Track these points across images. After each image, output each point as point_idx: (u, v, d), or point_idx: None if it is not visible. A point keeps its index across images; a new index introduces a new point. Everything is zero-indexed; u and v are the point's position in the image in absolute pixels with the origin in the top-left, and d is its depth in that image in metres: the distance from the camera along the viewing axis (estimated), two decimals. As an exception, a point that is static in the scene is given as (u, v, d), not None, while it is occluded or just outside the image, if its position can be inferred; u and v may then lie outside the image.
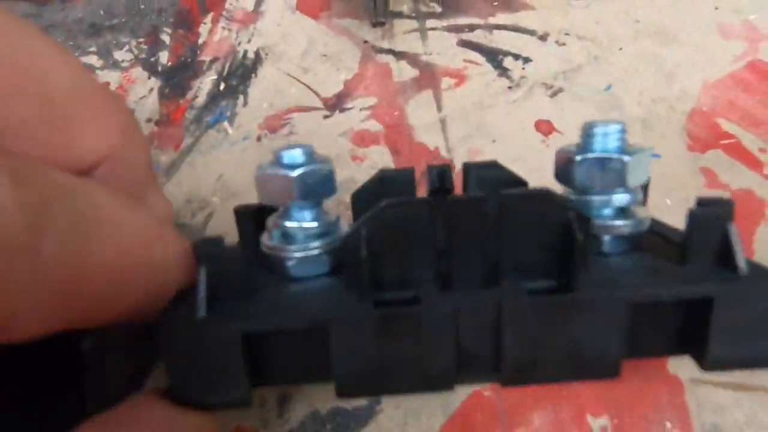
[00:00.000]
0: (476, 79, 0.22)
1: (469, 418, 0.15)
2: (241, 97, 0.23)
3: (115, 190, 0.10)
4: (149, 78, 0.24)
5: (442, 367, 0.10)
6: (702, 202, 0.11)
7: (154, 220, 0.10)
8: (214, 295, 0.10)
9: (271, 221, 0.12)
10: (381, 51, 0.23)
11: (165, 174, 0.20)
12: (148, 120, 0.22)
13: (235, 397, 0.10)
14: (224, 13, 0.26)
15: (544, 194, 0.11)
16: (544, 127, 0.20)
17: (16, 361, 0.11)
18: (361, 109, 0.21)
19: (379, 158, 0.20)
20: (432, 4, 0.25)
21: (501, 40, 0.23)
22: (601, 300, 0.10)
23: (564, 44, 0.23)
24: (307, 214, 0.12)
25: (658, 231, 0.12)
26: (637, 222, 0.11)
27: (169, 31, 0.25)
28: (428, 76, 0.22)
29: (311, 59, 0.23)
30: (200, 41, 0.25)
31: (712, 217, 0.10)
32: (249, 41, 0.25)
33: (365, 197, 0.14)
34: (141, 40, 0.25)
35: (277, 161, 0.12)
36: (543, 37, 0.23)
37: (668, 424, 0.15)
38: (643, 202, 0.13)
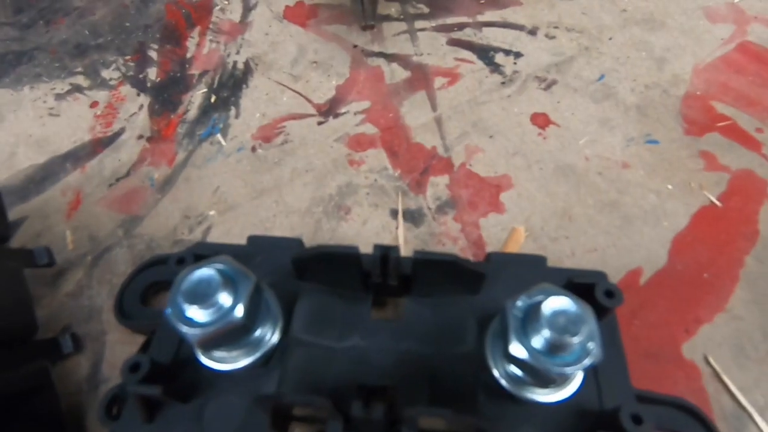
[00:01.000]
0: (469, 76, 0.22)
1: None
2: (233, 109, 0.22)
3: None
4: (138, 95, 0.23)
5: None
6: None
7: None
8: None
9: None
10: (371, 54, 0.23)
11: (160, 190, 0.20)
12: (140, 137, 0.22)
13: None
14: (211, 26, 0.26)
15: None
16: (541, 120, 0.20)
17: None
18: (355, 114, 0.21)
19: (376, 161, 0.20)
20: (419, 5, 0.25)
21: (491, 36, 0.23)
22: None
23: (554, 37, 0.23)
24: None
25: None
26: None
27: (156, 46, 0.25)
28: (420, 77, 0.22)
29: (302, 67, 0.23)
30: (188, 55, 0.25)
31: None
32: (238, 52, 0.24)
33: (306, 266, 0.13)
34: (128, 57, 0.25)
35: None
36: (532, 32, 0.23)
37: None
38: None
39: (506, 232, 0.17)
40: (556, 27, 0.23)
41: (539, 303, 0.10)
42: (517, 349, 0.10)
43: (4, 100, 0.24)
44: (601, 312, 0.12)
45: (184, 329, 0.10)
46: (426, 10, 0.25)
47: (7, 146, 0.22)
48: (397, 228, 0.18)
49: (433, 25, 0.24)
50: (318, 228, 0.18)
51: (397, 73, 0.22)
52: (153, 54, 0.25)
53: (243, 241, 0.15)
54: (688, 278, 0.16)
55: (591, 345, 0.10)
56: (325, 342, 0.13)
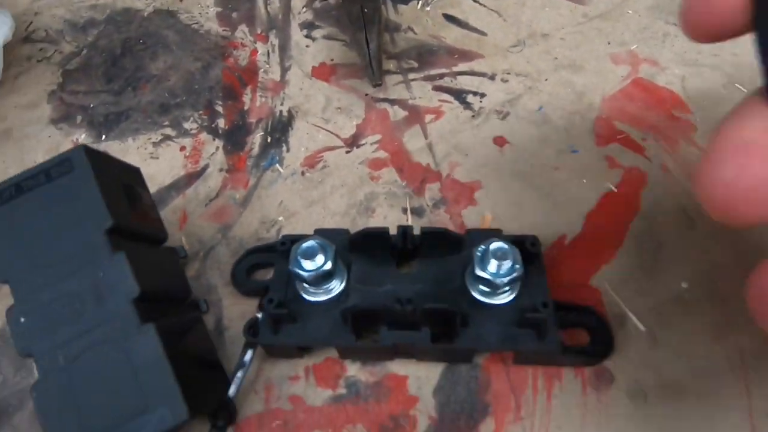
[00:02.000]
0: (449, 113, 0.31)
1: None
2: (284, 145, 0.31)
3: None
4: (214, 139, 0.32)
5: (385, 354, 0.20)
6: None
7: None
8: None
9: None
10: (379, 100, 0.32)
11: (241, 206, 0.29)
12: (220, 170, 0.31)
13: None
14: (259, 84, 0.35)
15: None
16: (500, 141, 0.29)
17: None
18: (371, 144, 0.30)
19: (389, 176, 0.29)
20: (410, 61, 0.34)
21: (463, 82, 0.32)
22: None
23: (507, 81, 0.32)
24: None
25: None
26: None
27: (221, 102, 0.34)
28: (415, 115, 0.31)
29: (329, 112, 0.32)
30: (245, 108, 0.34)
31: None
32: (282, 104, 0.34)
33: (357, 242, 0.23)
34: (201, 111, 0.34)
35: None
36: (492, 77, 0.32)
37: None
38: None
39: (479, 217, 0.26)
40: (508, 73, 0.32)
41: (488, 246, 0.19)
42: (479, 272, 0.19)
43: (115, 149, 0.33)
44: (532, 256, 0.21)
45: (302, 273, 0.19)
46: (416, 64, 0.34)
47: (129, 182, 0.31)
48: (407, 220, 0.27)
49: (422, 75, 0.33)
50: (354, 224, 0.27)
51: (398, 113, 0.32)
52: (219, 108, 0.34)
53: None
54: (595, 239, 0.25)
55: (517, 266, 0.19)
56: (370, 288, 0.22)
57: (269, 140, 0.32)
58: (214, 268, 0.27)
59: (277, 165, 0.30)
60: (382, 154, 0.30)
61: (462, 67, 0.33)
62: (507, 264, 0.19)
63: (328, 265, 0.20)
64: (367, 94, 0.33)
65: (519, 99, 0.31)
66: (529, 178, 0.27)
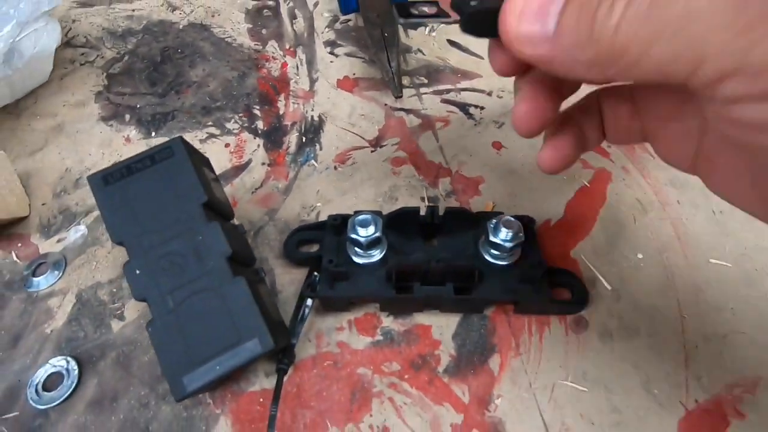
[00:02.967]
0: (455, 122, 0.37)
1: (479, 294, 0.30)
2: (318, 145, 0.37)
3: None
4: (254, 138, 0.38)
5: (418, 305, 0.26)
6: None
7: None
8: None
9: None
10: (397, 110, 0.39)
11: (283, 193, 0.34)
12: (263, 164, 0.36)
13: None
14: (291, 92, 0.41)
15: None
16: (497, 145, 0.36)
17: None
18: (392, 145, 0.36)
19: (409, 172, 0.35)
20: (421, 78, 0.41)
21: (466, 97, 0.39)
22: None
23: (502, 97, 0.39)
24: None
25: None
26: None
27: (258, 107, 0.40)
28: (427, 123, 0.38)
29: (355, 118, 0.38)
30: (281, 112, 0.39)
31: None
32: (312, 110, 0.39)
33: (394, 218, 0.28)
34: (241, 114, 0.39)
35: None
36: (489, 94, 0.39)
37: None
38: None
39: (483, 205, 0.33)
40: (503, 91, 0.39)
41: (500, 219, 0.25)
42: (492, 239, 0.25)
43: (165, 144, 0.38)
44: (528, 230, 0.28)
45: (358, 239, 0.25)
46: (425, 80, 0.41)
47: (183, 172, 0.35)
48: (425, 206, 0.33)
49: (431, 90, 0.40)
50: (382, 209, 0.33)
51: (413, 121, 0.38)
52: (257, 112, 0.40)
53: (352, 214, 0.30)
54: (573, 222, 0.32)
55: (521, 234, 0.25)
56: (404, 255, 0.28)
57: (304, 140, 0.37)
58: (265, 244, 0.32)
59: (313, 161, 0.36)
60: (401, 153, 0.36)
61: (464, 84, 0.40)
62: (512, 232, 0.25)
63: (378, 233, 0.25)
64: (386, 104, 0.39)
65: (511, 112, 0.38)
66: (521, 175, 0.34)
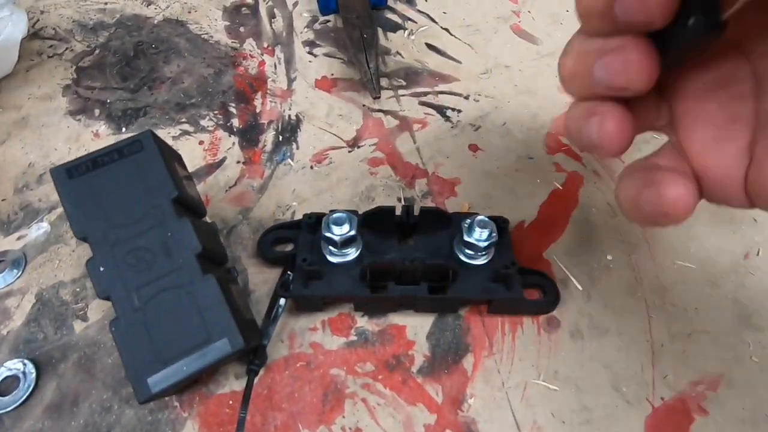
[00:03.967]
0: (432, 124, 0.38)
1: (454, 295, 0.30)
2: (294, 144, 0.37)
3: None
4: (230, 136, 0.37)
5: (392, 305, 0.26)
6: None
7: None
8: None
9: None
10: (375, 111, 0.39)
11: (258, 192, 0.34)
12: (238, 162, 0.35)
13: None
14: (268, 91, 0.40)
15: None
16: (473, 148, 0.36)
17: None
18: (369, 146, 0.36)
19: (386, 172, 0.35)
20: (399, 80, 0.41)
21: (443, 100, 0.39)
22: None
23: (478, 101, 0.39)
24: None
25: None
26: None
27: (234, 105, 0.39)
28: (405, 124, 0.38)
29: (332, 118, 0.38)
30: (257, 110, 0.39)
31: None
32: (290, 109, 0.39)
33: (370, 217, 0.28)
34: (216, 111, 0.39)
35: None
36: (466, 97, 0.40)
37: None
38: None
39: (459, 206, 0.33)
40: (479, 95, 0.40)
41: (474, 219, 0.26)
42: (466, 238, 0.25)
43: (136, 140, 0.37)
44: (502, 230, 0.28)
45: (332, 237, 0.25)
46: (404, 83, 0.41)
47: (154, 169, 0.34)
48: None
49: (409, 92, 0.40)
50: (358, 209, 0.33)
51: (391, 122, 0.38)
52: (233, 110, 0.39)
53: (327, 213, 0.30)
54: (546, 224, 0.32)
55: (494, 234, 0.25)
56: (379, 255, 0.28)
57: (281, 139, 0.37)
58: (237, 243, 0.31)
59: (289, 160, 0.36)
60: (378, 154, 0.36)
61: (442, 87, 0.40)
62: (486, 232, 0.25)
63: (353, 232, 0.25)
64: (364, 105, 0.39)
65: (488, 116, 0.38)
66: (496, 177, 0.35)
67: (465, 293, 0.26)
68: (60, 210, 0.33)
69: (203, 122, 0.38)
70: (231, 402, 0.25)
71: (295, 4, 0.47)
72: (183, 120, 0.38)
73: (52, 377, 0.26)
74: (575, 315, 0.28)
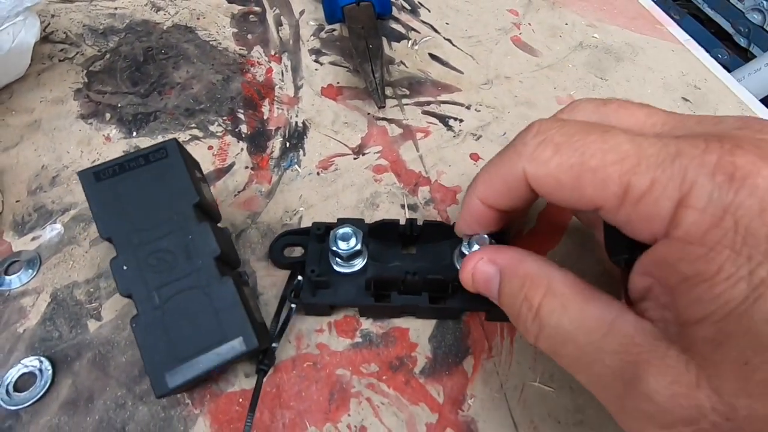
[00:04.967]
0: (435, 133, 0.39)
1: (455, 299, 0.31)
2: (301, 150, 0.38)
3: None
4: (238, 142, 0.38)
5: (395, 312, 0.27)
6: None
7: None
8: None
9: None
10: (379, 119, 0.40)
11: (266, 197, 0.35)
12: (246, 167, 0.37)
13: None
14: (275, 98, 0.41)
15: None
16: (475, 156, 0.38)
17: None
18: (374, 153, 0.38)
19: (390, 179, 0.36)
20: (404, 89, 0.42)
21: (446, 109, 0.41)
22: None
23: (479, 111, 0.41)
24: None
25: None
26: None
27: (242, 111, 0.40)
28: (408, 133, 0.39)
29: (338, 125, 0.39)
30: (265, 117, 0.40)
31: None
32: (297, 116, 0.40)
33: (375, 229, 0.29)
34: (225, 117, 0.40)
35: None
36: (468, 107, 0.41)
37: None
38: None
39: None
40: (480, 105, 0.41)
41: (472, 236, 0.27)
42: (465, 251, 0.27)
43: (147, 145, 0.38)
44: (501, 241, 0.29)
45: (339, 251, 0.26)
46: (407, 92, 0.42)
47: (165, 173, 0.35)
48: (405, 214, 0.34)
49: (413, 101, 0.41)
50: (362, 216, 0.34)
51: (395, 130, 0.39)
52: (241, 116, 0.40)
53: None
54: (544, 232, 0.34)
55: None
56: (383, 264, 0.29)
57: (288, 145, 0.38)
58: (246, 247, 0.32)
59: (296, 166, 0.37)
60: (383, 161, 0.37)
61: (444, 97, 0.41)
62: (484, 243, 0.27)
63: (358, 246, 0.26)
64: (369, 113, 0.40)
65: (489, 125, 0.40)
66: (496, 186, 0.36)
67: (463, 304, 0.27)
68: (74, 211, 0.34)
69: (212, 128, 0.39)
70: (240, 400, 0.26)
71: (301, 13, 0.48)
72: (192, 125, 0.39)
73: (67, 374, 0.27)
74: (571, 320, 0.30)
